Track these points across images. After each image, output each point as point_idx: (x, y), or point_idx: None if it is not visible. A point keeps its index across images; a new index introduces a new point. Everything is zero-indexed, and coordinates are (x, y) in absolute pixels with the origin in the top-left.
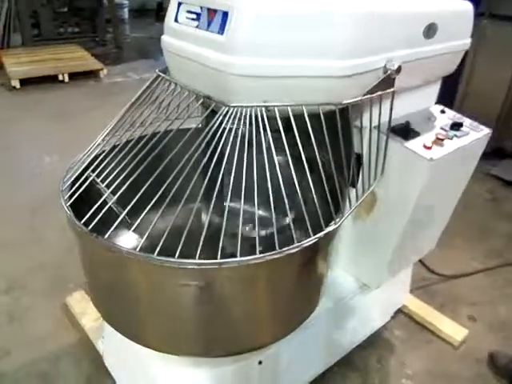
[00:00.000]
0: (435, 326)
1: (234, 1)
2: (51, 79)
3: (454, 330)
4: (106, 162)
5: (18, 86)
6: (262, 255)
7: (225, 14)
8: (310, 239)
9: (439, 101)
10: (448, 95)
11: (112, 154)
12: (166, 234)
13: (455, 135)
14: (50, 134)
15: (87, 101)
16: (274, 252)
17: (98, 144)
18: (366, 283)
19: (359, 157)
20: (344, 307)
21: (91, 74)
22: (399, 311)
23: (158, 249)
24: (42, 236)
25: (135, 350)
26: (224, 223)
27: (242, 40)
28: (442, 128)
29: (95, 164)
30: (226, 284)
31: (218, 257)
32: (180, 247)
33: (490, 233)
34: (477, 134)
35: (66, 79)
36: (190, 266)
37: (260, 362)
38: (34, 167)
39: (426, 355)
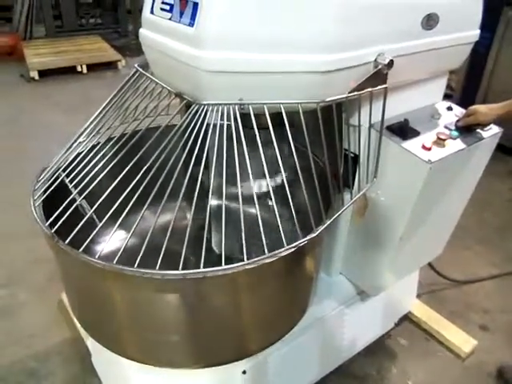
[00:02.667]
0: (442, 335)
1: None
2: (70, 70)
3: (462, 340)
4: (84, 161)
5: (36, 77)
6: (239, 264)
7: (195, 5)
8: (284, 248)
9: (460, 97)
10: (470, 91)
11: (83, 153)
12: (127, 239)
13: (459, 135)
14: (65, 126)
15: (104, 92)
16: (247, 262)
17: (77, 142)
18: (364, 290)
19: (355, 157)
20: (341, 315)
21: (110, 65)
22: (405, 318)
23: (118, 254)
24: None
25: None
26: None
27: (212, 32)
28: (445, 127)
29: (67, 163)
30: (206, 293)
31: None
32: (140, 256)
33: (509, 235)
34: (484, 134)
35: (85, 70)
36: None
37: (244, 372)
38: (44, 158)
39: (430, 366)
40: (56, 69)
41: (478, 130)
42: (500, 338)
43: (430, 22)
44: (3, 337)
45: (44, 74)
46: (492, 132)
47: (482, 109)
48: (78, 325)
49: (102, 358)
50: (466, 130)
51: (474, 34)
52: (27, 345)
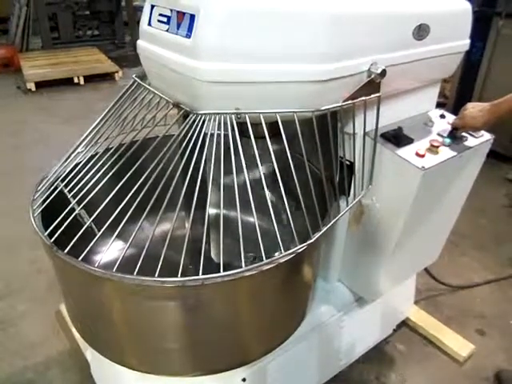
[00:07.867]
0: (440, 340)
1: (200, 3)
2: (67, 82)
3: (459, 345)
4: (82, 171)
5: (33, 88)
6: (237, 271)
7: (192, 17)
8: (281, 255)
9: (454, 105)
10: (464, 99)
11: (82, 163)
12: (125, 249)
13: (452, 142)
14: (61, 137)
15: (101, 103)
16: (245, 268)
17: (76, 153)
18: (361, 296)
19: (350, 165)
20: (339, 321)
21: (107, 77)
22: (403, 323)
23: (116, 264)
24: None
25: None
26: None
27: (208, 44)
28: (438, 134)
29: (66, 173)
30: (204, 300)
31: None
32: (137, 263)
33: (505, 241)
34: (476, 141)
35: (82, 82)
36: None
37: (244, 380)
38: (42, 169)
39: (428, 372)
40: (53, 80)
41: (470, 138)
42: (497, 343)
43: (421, 32)
44: (3, 347)
45: (41, 85)
46: (483, 139)
47: (471, 112)
48: (77, 335)
49: (100, 368)
50: (454, 133)
51: (465, 43)
52: (25, 356)
